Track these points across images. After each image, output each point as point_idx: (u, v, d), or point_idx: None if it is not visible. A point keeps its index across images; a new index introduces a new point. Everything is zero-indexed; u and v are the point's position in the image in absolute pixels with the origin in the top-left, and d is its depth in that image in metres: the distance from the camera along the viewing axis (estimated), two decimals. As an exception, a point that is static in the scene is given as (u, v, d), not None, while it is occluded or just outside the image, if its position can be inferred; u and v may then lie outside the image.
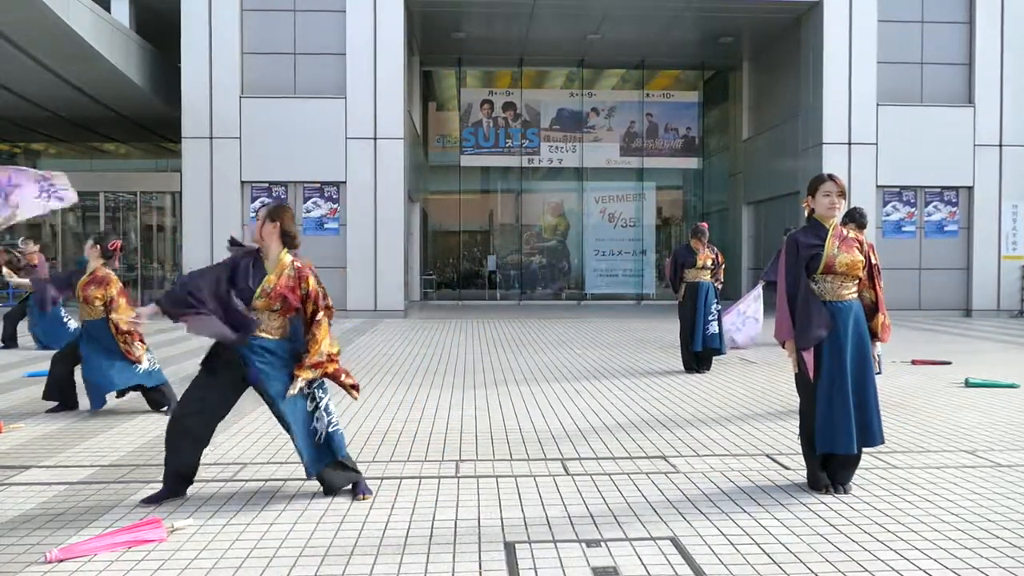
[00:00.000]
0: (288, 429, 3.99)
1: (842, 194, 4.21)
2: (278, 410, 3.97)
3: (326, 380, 4.13)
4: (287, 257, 4.06)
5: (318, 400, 4.07)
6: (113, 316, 6.11)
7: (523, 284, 23.20)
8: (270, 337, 3.98)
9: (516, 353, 10.21)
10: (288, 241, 4.08)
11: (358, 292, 15.82)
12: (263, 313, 3.98)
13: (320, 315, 4.01)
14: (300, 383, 3.95)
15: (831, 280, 4.15)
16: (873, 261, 4.25)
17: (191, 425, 3.95)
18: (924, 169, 16.56)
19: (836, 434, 4.05)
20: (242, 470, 4.57)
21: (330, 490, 4.08)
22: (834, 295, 4.15)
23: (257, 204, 15.85)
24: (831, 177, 4.23)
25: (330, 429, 4.06)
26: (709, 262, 8.62)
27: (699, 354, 8.49)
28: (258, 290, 3.96)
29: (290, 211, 4.17)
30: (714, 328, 8.48)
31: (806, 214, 4.34)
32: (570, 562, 3.22)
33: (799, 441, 4.33)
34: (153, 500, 3.95)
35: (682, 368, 8.62)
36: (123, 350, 6.11)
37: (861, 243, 4.25)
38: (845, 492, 4.12)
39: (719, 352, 8.67)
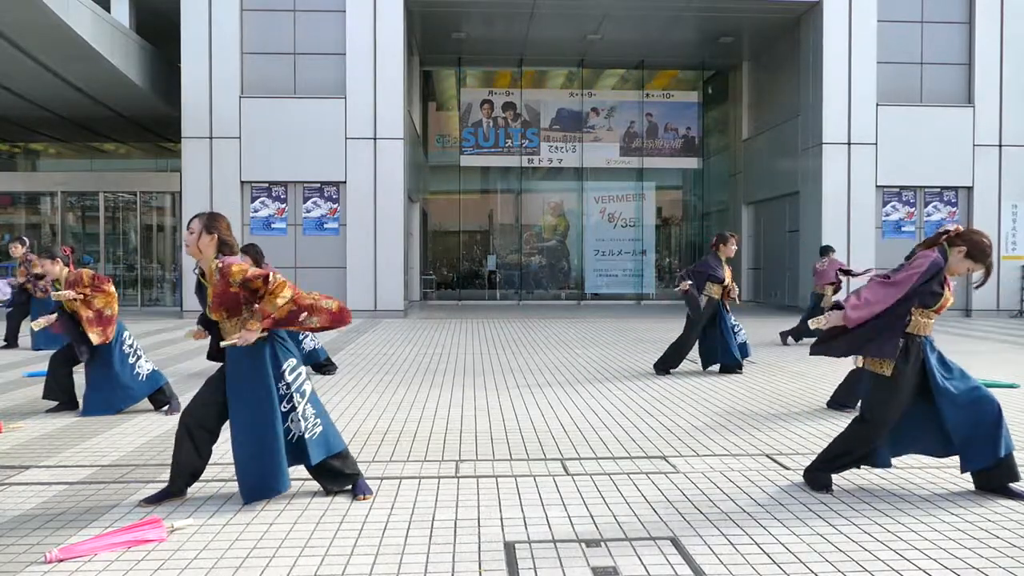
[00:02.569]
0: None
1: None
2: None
3: (304, 384, 4.02)
4: (214, 263, 3.91)
5: (295, 403, 3.96)
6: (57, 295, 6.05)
7: (523, 284, 23.20)
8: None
9: (516, 353, 10.21)
10: (227, 252, 3.97)
11: (358, 292, 15.82)
12: (227, 323, 3.96)
13: (261, 292, 3.86)
14: (237, 338, 3.81)
15: (934, 318, 4.17)
16: None
17: (194, 421, 3.96)
18: (924, 169, 16.57)
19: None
20: (242, 470, 4.57)
21: (328, 490, 4.09)
22: (928, 330, 4.16)
23: (258, 205, 15.86)
24: (988, 262, 4.12)
25: (306, 435, 3.94)
26: (728, 278, 8.34)
27: (730, 365, 8.32)
28: (206, 308, 3.95)
29: (225, 220, 4.02)
30: (743, 336, 8.40)
31: (944, 254, 4.10)
32: (570, 562, 3.22)
33: (851, 446, 4.20)
34: (154, 500, 3.95)
35: (681, 368, 8.57)
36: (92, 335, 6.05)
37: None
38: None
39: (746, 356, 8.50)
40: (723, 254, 8.27)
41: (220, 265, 3.88)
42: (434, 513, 3.82)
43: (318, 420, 4.04)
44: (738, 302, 8.49)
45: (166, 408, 6.23)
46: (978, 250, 4.10)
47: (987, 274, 4.16)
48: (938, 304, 4.10)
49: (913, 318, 4.10)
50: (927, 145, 16.41)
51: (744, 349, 8.42)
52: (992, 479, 4.13)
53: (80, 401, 6.31)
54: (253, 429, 3.89)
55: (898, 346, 4.05)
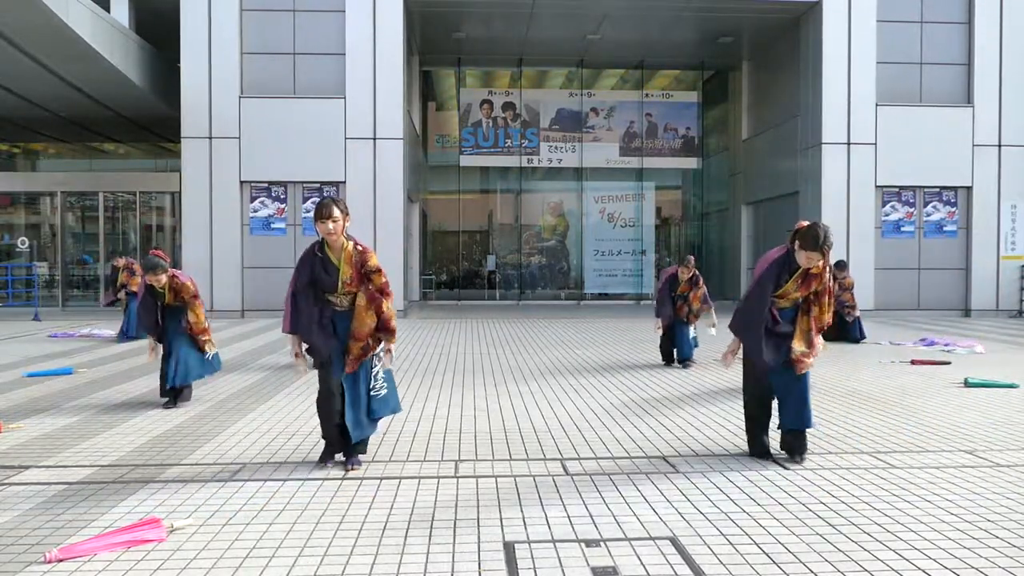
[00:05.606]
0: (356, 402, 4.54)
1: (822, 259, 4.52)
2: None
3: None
4: (350, 243, 4.59)
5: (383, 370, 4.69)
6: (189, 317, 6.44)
7: (523, 284, 23.20)
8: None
9: (516, 353, 10.21)
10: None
11: (358, 292, 15.80)
12: (344, 298, 4.60)
13: (380, 286, 4.69)
14: (387, 356, 4.64)
15: (776, 301, 4.72)
16: (828, 288, 4.69)
17: (334, 390, 4.54)
18: (923, 169, 16.58)
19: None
20: (242, 470, 4.58)
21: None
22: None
23: (257, 205, 15.86)
24: (822, 249, 4.38)
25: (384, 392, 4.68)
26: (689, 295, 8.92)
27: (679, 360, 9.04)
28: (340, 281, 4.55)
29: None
30: (693, 331, 9.02)
31: (790, 241, 4.60)
32: (569, 562, 3.22)
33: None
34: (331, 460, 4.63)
35: (679, 367, 8.74)
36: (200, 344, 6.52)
37: (820, 278, 4.61)
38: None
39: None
40: (682, 271, 8.97)
41: (360, 248, 4.58)
42: (433, 513, 3.82)
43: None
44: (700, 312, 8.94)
45: (169, 403, 6.28)
46: (805, 239, 4.41)
47: (824, 258, 4.46)
48: (778, 292, 4.62)
49: None
50: (926, 145, 16.42)
51: (690, 346, 8.97)
52: (788, 443, 4.80)
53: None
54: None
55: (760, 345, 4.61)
